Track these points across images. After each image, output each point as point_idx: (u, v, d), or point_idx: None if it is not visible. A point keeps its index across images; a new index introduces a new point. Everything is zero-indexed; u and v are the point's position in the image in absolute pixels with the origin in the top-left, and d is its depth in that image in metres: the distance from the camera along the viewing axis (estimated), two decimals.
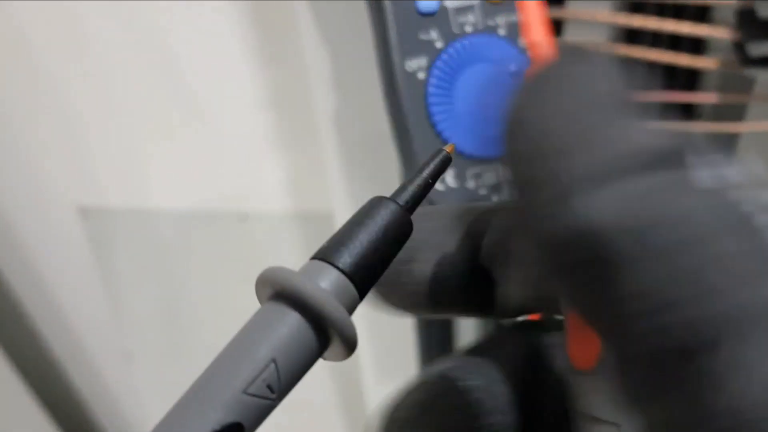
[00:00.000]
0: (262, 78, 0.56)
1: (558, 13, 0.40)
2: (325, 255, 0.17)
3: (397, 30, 0.24)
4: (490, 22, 0.25)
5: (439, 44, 0.24)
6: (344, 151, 0.44)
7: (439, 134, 0.24)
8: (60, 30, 0.58)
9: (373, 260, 0.18)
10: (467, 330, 0.61)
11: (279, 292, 0.17)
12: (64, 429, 0.77)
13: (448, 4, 0.25)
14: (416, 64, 0.24)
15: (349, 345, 0.17)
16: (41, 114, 0.63)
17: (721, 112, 0.46)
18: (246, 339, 0.16)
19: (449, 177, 0.24)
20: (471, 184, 0.25)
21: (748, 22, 0.36)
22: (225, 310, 0.70)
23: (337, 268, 0.17)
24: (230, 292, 0.68)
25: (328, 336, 0.17)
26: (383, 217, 0.18)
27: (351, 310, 0.17)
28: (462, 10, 0.25)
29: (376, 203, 0.18)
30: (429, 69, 0.24)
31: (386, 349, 0.58)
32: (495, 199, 0.25)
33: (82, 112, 0.62)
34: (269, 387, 0.15)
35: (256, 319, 0.17)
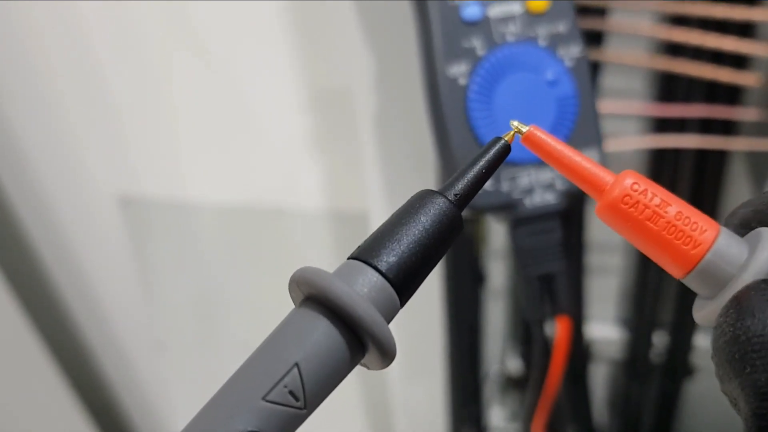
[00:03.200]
0: (304, 77, 0.57)
1: (599, 24, 0.41)
2: (363, 254, 0.16)
3: (441, 36, 0.25)
4: (531, 33, 0.26)
5: (480, 51, 0.25)
6: (382, 152, 0.45)
7: (477, 138, 0.25)
8: (109, 25, 0.60)
9: (416, 261, 0.16)
10: (495, 334, 0.61)
11: (311, 295, 0.16)
12: (93, 414, 0.79)
13: (492, 12, 0.26)
14: (458, 70, 0.25)
15: (386, 353, 0.15)
16: (85, 106, 0.64)
17: (762, 129, 0.45)
18: (271, 344, 0.16)
19: None
20: (505, 187, 0.25)
21: None
22: (257, 306, 0.71)
23: (376, 269, 0.16)
24: (263, 287, 0.69)
25: (363, 343, 0.15)
26: (430, 213, 0.17)
27: (389, 315, 0.16)
28: (504, 20, 0.26)
29: (422, 197, 0.17)
30: (470, 75, 0.25)
31: (413, 348, 0.58)
32: (527, 203, 0.26)
33: (125, 104, 0.63)
34: (292, 394, 0.14)
35: (284, 323, 0.16)
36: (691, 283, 0.15)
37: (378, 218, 0.48)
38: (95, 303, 0.80)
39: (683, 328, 0.55)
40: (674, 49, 0.43)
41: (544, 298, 0.26)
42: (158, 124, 0.64)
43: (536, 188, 0.25)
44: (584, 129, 0.26)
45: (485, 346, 0.60)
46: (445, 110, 0.25)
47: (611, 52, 0.41)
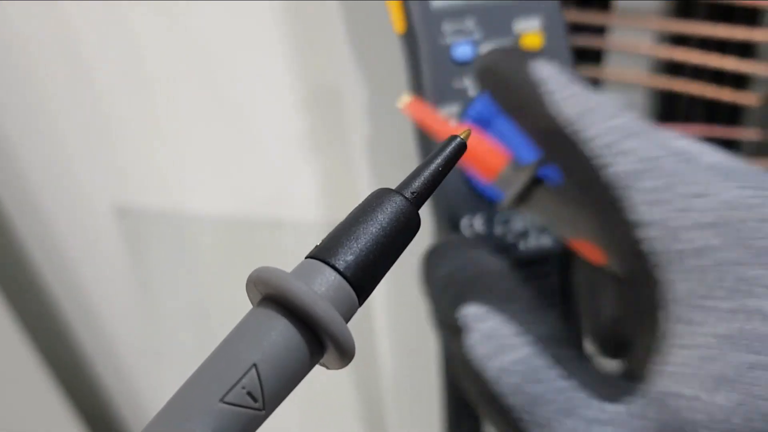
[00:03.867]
0: (299, 91, 0.57)
1: (599, 43, 0.40)
2: (321, 253, 0.16)
3: (431, 78, 0.24)
4: None
5: (472, 92, 0.25)
6: (375, 165, 0.44)
7: (467, 180, 0.25)
8: (104, 32, 0.59)
9: (374, 260, 0.16)
10: None
11: (268, 294, 0.16)
12: (90, 424, 0.79)
13: (484, 50, 0.25)
14: (448, 110, 0.25)
15: (344, 353, 0.15)
16: (81, 115, 0.65)
17: (762, 148, 0.45)
18: (228, 345, 0.15)
19: (477, 222, 0.25)
20: (498, 230, 0.25)
21: None
22: None
23: (334, 268, 0.16)
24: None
25: (322, 343, 0.15)
26: (387, 211, 0.17)
27: (348, 314, 0.16)
28: None
29: (379, 196, 0.17)
30: (461, 116, 0.25)
31: (409, 360, 0.58)
32: (521, 246, 0.25)
33: (118, 114, 0.63)
34: (250, 395, 0.14)
35: (241, 323, 0.16)
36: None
37: None
38: (92, 313, 0.80)
39: None
40: (674, 69, 0.42)
41: None
42: (152, 134, 0.64)
43: (531, 231, 0.25)
44: None
45: None
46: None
47: (611, 70, 0.41)
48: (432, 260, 0.22)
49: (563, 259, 0.24)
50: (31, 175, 0.71)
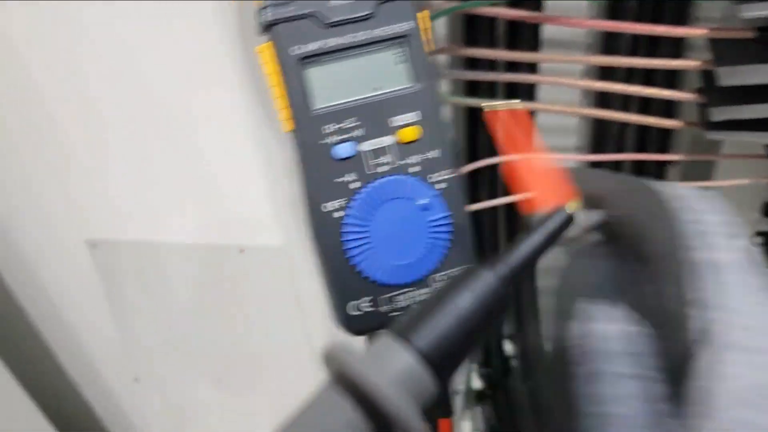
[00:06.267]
0: (257, 117, 0.58)
1: (532, 78, 0.42)
2: (402, 331, 0.16)
3: (313, 176, 0.27)
4: (402, 162, 0.27)
5: (354, 185, 0.27)
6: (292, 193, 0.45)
7: (354, 266, 0.27)
8: (65, 74, 0.60)
9: (457, 342, 0.15)
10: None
11: (339, 376, 0.15)
12: None
13: (364, 146, 0.27)
14: (333, 205, 0.27)
15: None
16: (46, 156, 0.65)
17: (691, 171, 0.46)
18: (301, 422, 0.15)
19: (363, 303, 0.27)
20: (384, 308, 0.28)
21: (709, 88, 0.36)
22: (225, 337, 0.73)
23: (414, 348, 0.15)
24: (229, 319, 0.71)
25: (390, 429, 0.15)
26: (476, 291, 0.16)
27: (425, 400, 0.15)
28: (376, 152, 0.27)
29: (471, 274, 0.16)
30: (345, 209, 0.27)
31: None
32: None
33: (81, 153, 0.64)
34: None
35: (315, 403, 0.15)
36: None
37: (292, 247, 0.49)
38: (74, 341, 0.82)
39: None
40: (604, 99, 0.44)
41: None
42: (113, 170, 0.65)
43: (410, 308, 0.27)
44: (459, 246, 0.28)
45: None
46: (322, 243, 0.27)
47: (542, 103, 0.42)
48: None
49: None
50: (5, 214, 0.72)
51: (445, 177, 0.28)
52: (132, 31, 0.55)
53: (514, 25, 0.42)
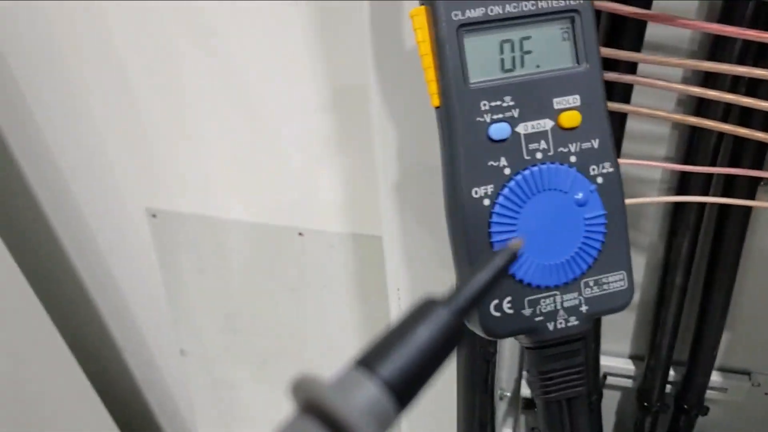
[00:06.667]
0: (324, 96, 0.57)
1: (630, 78, 0.39)
2: (366, 362, 0.16)
3: (466, 154, 0.24)
4: (561, 150, 0.25)
5: (507, 171, 0.24)
6: (397, 179, 0.44)
7: None
8: (141, 43, 0.60)
9: (417, 371, 0.16)
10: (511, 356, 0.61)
11: (310, 406, 0.16)
12: (118, 413, 0.80)
13: (521, 129, 0.24)
14: (483, 190, 0.24)
15: None
16: (120, 123, 0.66)
17: None
18: None
19: (505, 303, 0.25)
20: (527, 311, 0.25)
21: None
22: (275, 318, 0.72)
23: (378, 377, 0.16)
24: (281, 301, 0.70)
25: None
26: (433, 325, 0.17)
27: (387, 424, 0.16)
28: (534, 136, 0.24)
29: (426, 308, 0.17)
30: (495, 196, 0.24)
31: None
32: (550, 327, 0.25)
33: (156, 122, 0.64)
34: None
35: (284, 430, 0.16)
36: None
37: (389, 241, 0.48)
38: (125, 309, 0.82)
39: (698, 366, 0.55)
40: (702, 106, 0.41)
41: (564, 421, 0.26)
42: (185, 141, 0.65)
43: (560, 312, 0.25)
44: (613, 248, 0.25)
45: (500, 370, 0.60)
46: (467, 231, 0.24)
47: (638, 106, 0.40)
48: None
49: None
50: (69, 178, 0.72)
51: (604, 171, 0.25)
52: (219, 16, 0.54)
53: (617, 21, 0.40)
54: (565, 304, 0.25)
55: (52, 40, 0.62)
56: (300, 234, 0.65)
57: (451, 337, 0.17)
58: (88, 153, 0.69)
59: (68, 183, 0.72)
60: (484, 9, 0.24)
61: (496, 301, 0.24)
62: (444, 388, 0.55)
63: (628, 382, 0.59)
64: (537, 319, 0.25)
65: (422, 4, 0.24)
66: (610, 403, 0.62)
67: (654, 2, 0.39)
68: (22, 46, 0.63)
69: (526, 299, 0.25)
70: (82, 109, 0.66)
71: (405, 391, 0.16)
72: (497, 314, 0.24)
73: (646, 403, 0.57)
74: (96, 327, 0.83)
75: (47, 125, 0.68)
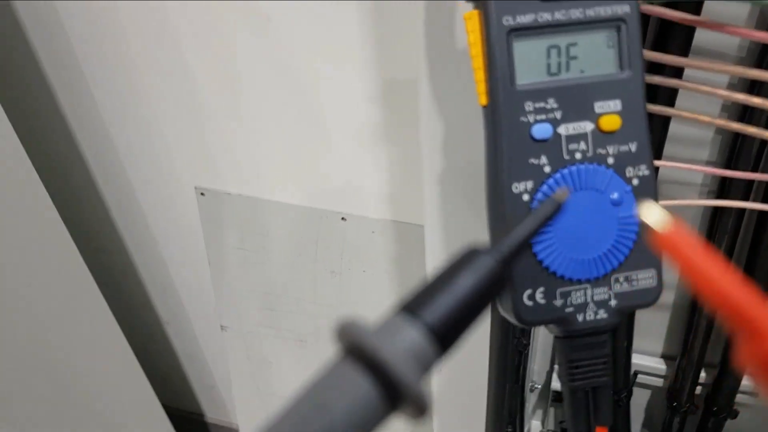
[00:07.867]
0: (374, 87, 0.58)
1: (674, 83, 0.40)
2: (410, 307, 0.17)
3: (508, 153, 0.25)
4: (600, 151, 0.26)
5: (547, 169, 0.26)
6: (441, 171, 0.46)
7: (535, 255, 0.26)
8: (198, 30, 0.62)
9: (459, 317, 0.17)
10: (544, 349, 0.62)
11: (353, 349, 0.17)
12: (158, 384, 0.84)
13: (562, 130, 0.26)
14: (523, 186, 0.26)
15: (420, 410, 0.16)
16: (175, 104, 0.68)
17: None
18: (314, 395, 0.16)
19: (538, 293, 0.26)
20: (558, 302, 0.26)
21: None
22: (314, 300, 0.74)
23: (421, 322, 0.17)
24: (321, 283, 0.72)
25: (400, 396, 0.16)
26: (476, 272, 0.18)
27: (430, 367, 0.17)
28: (574, 137, 0.26)
29: (470, 256, 0.18)
30: (534, 192, 0.26)
31: (459, 363, 0.60)
32: (579, 318, 0.26)
33: (210, 105, 0.66)
34: None
35: (328, 375, 0.17)
36: None
37: (432, 230, 0.49)
38: (169, 284, 0.85)
39: (730, 369, 0.55)
40: (748, 113, 0.42)
41: (588, 409, 0.27)
42: (237, 125, 0.67)
43: (590, 305, 0.26)
44: (644, 246, 0.26)
45: (532, 362, 0.61)
46: (508, 224, 0.25)
47: (681, 109, 0.41)
48: None
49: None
50: (125, 154, 0.74)
51: (640, 174, 0.26)
52: (276, 3, 0.56)
53: (665, 25, 0.41)
54: (595, 298, 0.26)
55: (114, 22, 0.64)
56: (343, 219, 0.67)
57: (493, 284, 0.18)
58: (144, 131, 0.72)
59: (122, 159, 0.75)
60: (534, 15, 0.25)
61: (529, 291, 0.26)
62: (476, 379, 0.57)
63: (658, 381, 0.60)
64: (567, 310, 0.26)
65: (475, 8, 0.26)
66: (639, 400, 0.63)
67: (704, 7, 0.39)
68: (84, 27, 0.65)
69: (558, 290, 0.26)
70: (140, 88, 0.68)
71: (446, 336, 0.17)
72: (530, 303, 0.26)
73: (675, 403, 0.58)
74: (141, 299, 0.86)
75: (105, 105, 0.70)
